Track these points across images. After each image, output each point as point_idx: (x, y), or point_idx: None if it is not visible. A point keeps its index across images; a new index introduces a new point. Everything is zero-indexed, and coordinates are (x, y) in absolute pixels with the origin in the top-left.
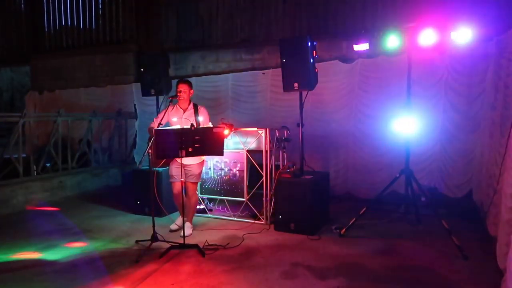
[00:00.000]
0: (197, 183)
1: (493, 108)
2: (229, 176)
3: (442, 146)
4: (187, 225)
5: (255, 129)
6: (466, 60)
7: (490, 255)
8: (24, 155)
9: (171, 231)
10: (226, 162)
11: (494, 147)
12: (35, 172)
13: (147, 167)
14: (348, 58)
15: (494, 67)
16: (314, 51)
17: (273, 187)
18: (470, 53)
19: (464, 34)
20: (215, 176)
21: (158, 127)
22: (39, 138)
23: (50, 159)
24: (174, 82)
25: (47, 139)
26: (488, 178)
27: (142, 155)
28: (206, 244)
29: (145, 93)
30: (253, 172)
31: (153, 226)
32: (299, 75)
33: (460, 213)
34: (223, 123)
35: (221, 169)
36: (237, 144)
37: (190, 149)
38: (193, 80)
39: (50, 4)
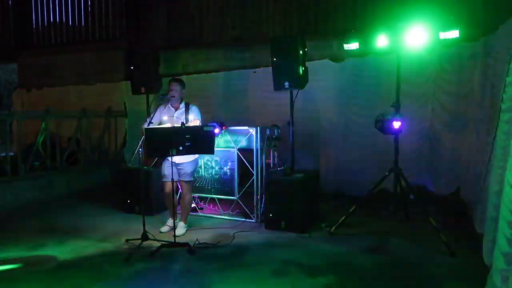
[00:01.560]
0: (190, 181)
1: (480, 107)
2: (220, 175)
3: (430, 144)
4: (181, 224)
5: (246, 127)
6: (455, 59)
7: (476, 252)
8: (12, 154)
9: (161, 233)
10: (217, 160)
11: (481, 145)
12: (23, 170)
13: (137, 165)
14: (338, 57)
15: (481, 66)
16: (304, 50)
17: (263, 186)
18: (458, 53)
19: (452, 34)
20: (205, 174)
21: (148, 125)
22: (27, 136)
23: (38, 158)
24: (164, 80)
25: (35, 138)
26: (475, 176)
27: (132, 154)
28: (197, 242)
29: (135, 91)
30: (244, 170)
31: (143, 224)
32: (289, 74)
33: (447, 211)
34: (213, 122)
35: (212, 167)
36: (228, 143)
37: (180, 148)
38: (183, 78)
39: (38, 0)
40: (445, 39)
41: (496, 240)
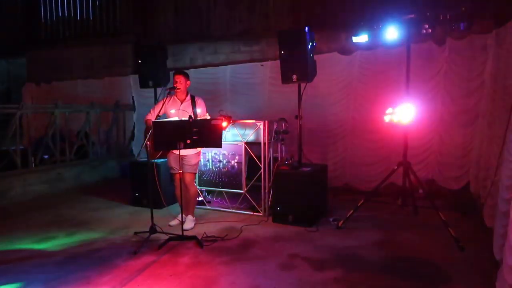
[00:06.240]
0: (194, 173)
1: (492, 100)
2: (228, 168)
3: (440, 138)
4: (190, 218)
5: (254, 121)
6: (465, 52)
7: (486, 247)
8: (22, 147)
9: (170, 226)
10: (225, 154)
11: (492, 139)
12: (33, 164)
13: (145, 159)
14: (347, 50)
15: (493, 59)
16: (312, 43)
17: (271, 179)
18: (469, 45)
19: (462, 26)
20: (213, 168)
21: (155, 118)
22: (37, 130)
23: (48, 151)
24: (172, 73)
25: (44, 131)
26: (485, 170)
27: (140, 147)
28: (205, 235)
29: (143, 84)
30: (252, 164)
31: (152, 217)
32: (297, 67)
33: (457, 205)
34: (221, 115)
35: (220, 161)
36: (236, 136)
37: (188, 141)
38: (191, 72)
39: None
40: (455, 31)
41: (507, 235)
